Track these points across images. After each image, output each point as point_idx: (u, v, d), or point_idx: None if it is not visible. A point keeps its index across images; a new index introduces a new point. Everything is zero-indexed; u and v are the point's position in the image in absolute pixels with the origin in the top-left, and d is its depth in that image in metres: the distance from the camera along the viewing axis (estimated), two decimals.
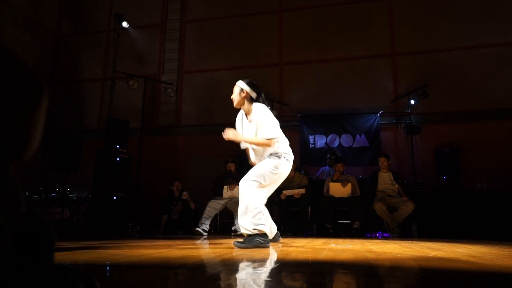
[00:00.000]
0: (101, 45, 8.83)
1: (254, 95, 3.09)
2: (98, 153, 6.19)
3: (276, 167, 2.96)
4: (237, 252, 2.42)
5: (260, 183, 2.89)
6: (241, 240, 2.81)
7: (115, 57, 7.26)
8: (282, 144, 3.06)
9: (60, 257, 1.91)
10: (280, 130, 3.06)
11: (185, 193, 5.89)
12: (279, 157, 3.00)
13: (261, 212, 2.84)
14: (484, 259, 2.04)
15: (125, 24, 7.25)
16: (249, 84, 3.09)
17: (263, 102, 3.12)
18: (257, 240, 2.72)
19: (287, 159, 3.03)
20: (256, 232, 2.77)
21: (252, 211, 2.81)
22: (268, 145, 2.96)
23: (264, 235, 2.77)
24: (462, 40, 6.97)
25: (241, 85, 3.10)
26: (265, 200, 3.03)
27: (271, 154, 3.04)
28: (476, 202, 5.44)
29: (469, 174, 6.26)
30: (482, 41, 6.86)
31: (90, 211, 6.10)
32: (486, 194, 5.51)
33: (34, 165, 7.99)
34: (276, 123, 3.01)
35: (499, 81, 6.64)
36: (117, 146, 6.25)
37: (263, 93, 3.21)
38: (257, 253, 2.29)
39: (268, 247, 2.71)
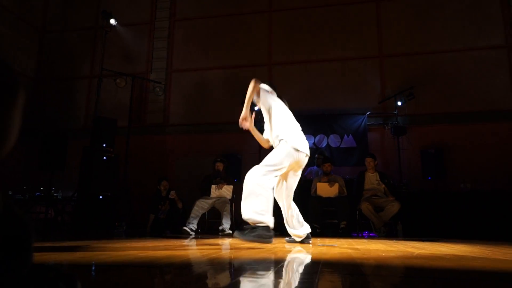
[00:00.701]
0: (89, 42, 8.71)
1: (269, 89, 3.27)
2: (84, 152, 6.11)
3: (282, 152, 2.87)
4: (225, 251, 2.42)
5: (270, 169, 2.75)
6: (242, 231, 2.65)
7: (103, 55, 7.17)
8: (285, 128, 3.00)
9: (44, 257, 1.87)
10: (282, 113, 3.07)
11: (172, 192, 5.85)
12: (285, 141, 2.90)
13: (265, 199, 2.63)
14: (466, 257, 2.08)
15: (113, 21, 7.17)
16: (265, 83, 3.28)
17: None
18: (259, 233, 2.54)
19: (292, 147, 2.90)
20: (258, 223, 2.59)
21: (254, 197, 2.62)
22: (253, 88, 3.02)
23: (267, 228, 2.58)
24: (448, 43, 7.09)
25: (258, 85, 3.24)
26: (275, 191, 2.88)
27: (278, 139, 2.99)
28: (460, 202, 5.54)
29: (453, 175, 6.37)
30: (468, 44, 6.98)
31: (76, 210, 6.02)
32: (469, 195, 5.61)
33: (17, 164, 7.83)
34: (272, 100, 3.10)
35: (484, 84, 6.78)
36: (104, 145, 6.17)
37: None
38: (247, 251, 2.30)
39: (269, 242, 2.56)
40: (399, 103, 6.72)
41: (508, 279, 1.39)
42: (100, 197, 5.94)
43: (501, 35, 6.90)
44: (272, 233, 2.63)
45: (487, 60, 6.86)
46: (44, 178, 6.66)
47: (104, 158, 6.10)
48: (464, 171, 6.32)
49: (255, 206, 2.61)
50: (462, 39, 7.04)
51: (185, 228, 5.20)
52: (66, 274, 0.58)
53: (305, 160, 3.02)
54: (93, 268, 1.52)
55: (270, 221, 2.63)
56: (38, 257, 1.83)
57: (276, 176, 2.83)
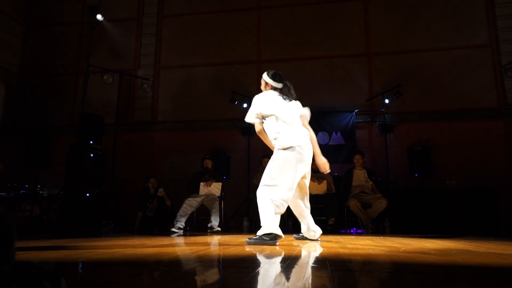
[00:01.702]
0: (75, 38, 8.56)
1: (279, 85, 3.17)
2: (71, 149, 6.02)
3: (277, 160, 2.91)
4: (213, 248, 2.42)
5: (270, 183, 2.85)
6: (251, 237, 2.86)
7: (89, 51, 7.06)
8: (272, 135, 3.00)
9: (29, 255, 1.85)
10: (277, 119, 2.99)
11: (160, 189, 5.82)
12: (281, 149, 2.93)
13: (266, 212, 2.80)
14: (450, 253, 2.12)
15: (99, 16, 7.05)
16: (272, 76, 3.19)
17: (288, 91, 3.18)
18: (263, 238, 2.73)
19: (284, 148, 2.91)
20: (264, 231, 2.76)
21: (263, 215, 2.83)
22: (257, 132, 3.09)
23: (268, 234, 2.74)
24: (434, 42, 7.19)
25: (265, 79, 3.22)
26: (284, 195, 2.85)
27: (276, 146, 2.99)
28: (445, 199, 5.64)
29: (439, 172, 6.48)
30: (454, 43, 7.09)
31: (62, 208, 5.92)
32: (454, 191, 5.72)
33: (2, 161, 7.67)
34: (258, 108, 3.02)
35: (469, 82, 6.89)
36: (91, 142, 6.08)
37: (281, 84, 3.19)
38: (235, 248, 2.30)
39: (274, 244, 2.67)
40: (387, 101, 6.79)
41: (490, 273, 1.42)
42: (87, 194, 5.85)
43: (485, 35, 7.02)
44: (273, 235, 2.74)
45: (472, 59, 6.98)
46: (29, 176, 6.55)
47: (91, 155, 6.01)
48: (450, 168, 6.43)
49: (261, 216, 2.86)
50: (447, 38, 7.14)
51: (173, 229, 5.16)
52: (50, 272, 0.57)
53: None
54: (80, 266, 1.50)
55: (273, 231, 2.76)
56: (23, 255, 1.80)
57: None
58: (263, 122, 3.07)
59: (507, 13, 6.91)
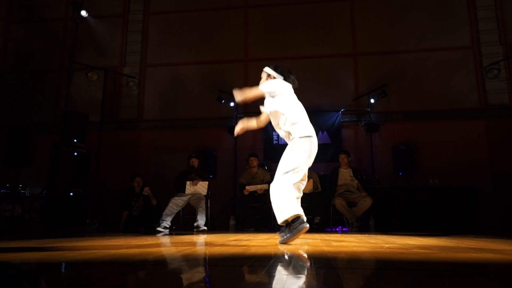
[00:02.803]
0: (58, 34, 8.39)
1: (281, 77, 3.16)
2: (53, 147, 5.90)
3: (292, 150, 2.92)
4: (199, 247, 2.41)
5: (287, 175, 2.80)
6: (281, 235, 2.78)
7: (73, 47, 6.92)
8: (290, 119, 2.99)
9: (10, 256, 1.81)
10: (286, 100, 3.01)
11: (146, 188, 5.76)
12: (293, 137, 2.95)
13: (288, 197, 2.74)
14: (432, 250, 2.16)
15: (84, 13, 6.90)
16: (274, 68, 3.20)
17: (293, 82, 3.17)
18: (294, 226, 2.66)
19: (299, 137, 2.93)
20: (289, 219, 2.70)
21: (282, 205, 2.75)
22: (258, 93, 3.05)
23: (297, 218, 2.69)
24: (419, 43, 7.30)
25: (267, 71, 3.20)
26: (296, 179, 2.86)
27: (289, 135, 3.01)
28: (428, 197, 5.74)
29: (423, 171, 6.59)
30: (438, 44, 7.22)
31: (45, 208, 5.81)
32: (437, 190, 5.83)
33: None
34: (275, 86, 3.00)
35: (452, 83, 7.03)
36: (75, 140, 5.98)
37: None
38: (221, 248, 2.29)
39: (305, 227, 2.65)
40: (372, 101, 6.88)
41: (470, 268, 1.45)
42: (71, 194, 5.76)
43: (467, 37, 7.17)
44: (302, 219, 2.70)
45: (455, 60, 7.12)
46: (10, 174, 6.40)
47: (75, 153, 5.91)
48: (433, 167, 6.54)
49: (279, 207, 2.76)
50: (431, 39, 7.26)
51: (159, 228, 5.12)
52: (29, 272, 0.56)
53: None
54: (62, 266, 1.48)
55: (296, 212, 2.71)
56: (3, 256, 1.76)
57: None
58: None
59: (488, 16, 7.07)
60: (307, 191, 5.61)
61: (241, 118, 7.85)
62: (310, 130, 3.00)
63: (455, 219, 5.49)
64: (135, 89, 7.62)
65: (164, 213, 5.28)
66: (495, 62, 6.53)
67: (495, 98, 6.78)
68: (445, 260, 1.73)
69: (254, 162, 5.97)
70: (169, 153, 7.45)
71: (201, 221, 5.34)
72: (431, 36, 7.28)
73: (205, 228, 5.30)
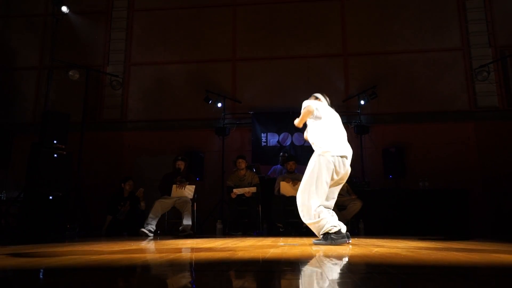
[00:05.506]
0: (37, 30, 8.09)
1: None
2: (32, 149, 5.65)
3: (315, 166, 3.18)
4: (185, 252, 2.35)
5: (311, 191, 3.14)
6: (316, 238, 3.05)
7: (53, 45, 6.65)
8: (319, 138, 3.27)
9: None
10: (319, 121, 3.32)
11: (141, 189, 5.59)
12: (318, 154, 3.19)
13: (320, 214, 3.00)
14: (421, 253, 2.16)
15: (64, 8, 6.65)
16: (311, 97, 3.60)
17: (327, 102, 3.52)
18: (331, 237, 2.88)
19: (319, 154, 3.23)
20: (325, 231, 2.92)
21: (312, 218, 3.04)
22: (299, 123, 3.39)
23: (336, 232, 2.89)
24: (409, 44, 7.28)
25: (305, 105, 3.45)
26: (321, 200, 3.12)
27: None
28: (418, 200, 5.70)
29: (413, 173, 6.55)
30: (428, 46, 7.21)
31: (22, 212, 5.56)
32: (427, 193, 5.79)
33: None
34: (310, 109, 3.30)
35: (442, 85, 7.03)
36: (55, 141, 5.73)
37: None
38: (206, 253, 2.22)
39: (341, 243, 2.84)
40: (362, 102, 6.82)
41: (458, 271, 1.48)
42: (50, 197, 5.51)
43: (457, 38, 7.18)
44: (341, 234, 2.92)
45: (445, 62, 7.13)
46: None
47: (55, 155, 5.66)
48: (423, 170, 6.51)
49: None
50: (421, 41, 7.25)
51: (143, 230, 4.98)
52: (4, 280, 0.41)
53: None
54: (40, 273, 1.38)
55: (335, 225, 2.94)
56: None
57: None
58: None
59: (478, 18, 7.10)
60: (295, 194, 5.50)
61: (228, 119, 7.76)
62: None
63: (445, 222, 5.46)
64: (118, 88, 7.40)
65: (149, 216, 5.15)
66: (484, 65, 6.55)
67: (485, 100, 6.80)
68: (434, 263, 1.74)
69: (242, 164, 5.82)
70: (155, 154, 7.25)
71: (187, 225, 5.18)
72: (422, 37, 7.26)
73: (191, 232, 5.17)
